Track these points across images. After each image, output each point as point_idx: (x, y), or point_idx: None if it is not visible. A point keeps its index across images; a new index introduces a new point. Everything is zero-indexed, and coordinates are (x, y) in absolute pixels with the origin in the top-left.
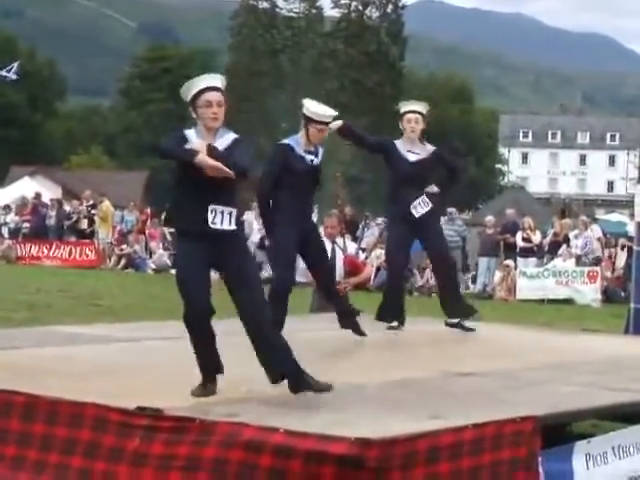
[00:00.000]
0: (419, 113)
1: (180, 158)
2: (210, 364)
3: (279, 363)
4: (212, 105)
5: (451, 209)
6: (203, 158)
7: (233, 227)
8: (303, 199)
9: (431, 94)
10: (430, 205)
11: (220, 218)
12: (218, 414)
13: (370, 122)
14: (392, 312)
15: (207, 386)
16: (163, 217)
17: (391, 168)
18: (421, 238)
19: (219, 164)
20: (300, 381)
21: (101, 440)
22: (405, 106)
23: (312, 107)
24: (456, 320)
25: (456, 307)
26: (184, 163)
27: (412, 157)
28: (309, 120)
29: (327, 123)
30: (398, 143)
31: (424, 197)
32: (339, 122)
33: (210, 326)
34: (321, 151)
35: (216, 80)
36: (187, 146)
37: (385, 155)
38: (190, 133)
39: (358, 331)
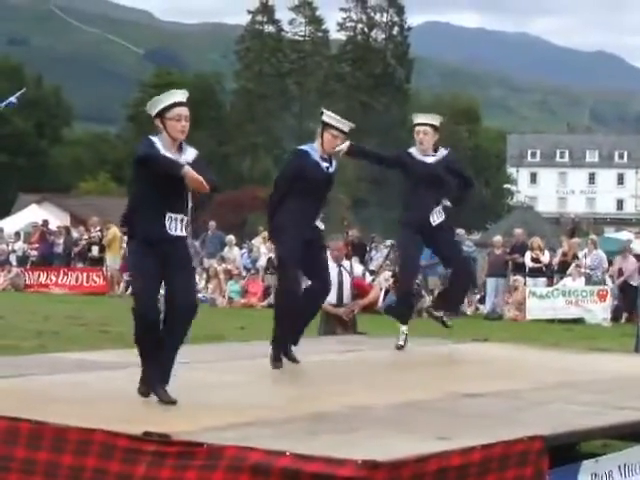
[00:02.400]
0: (429, 125)
1: (168, 168)
2: (151, 369)
3: (164, 375)
4: (181, 119)
5: (459, 230)
6: (189, 170)
7: (185, 233)
8: (313, 205)
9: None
10: (444, 216)
11: (175, 225)
12: (225, 438)
13: (377, 144)
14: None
15: (165, 397)
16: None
17: (408, 174)
18: (435, 246)
19: (202, 178)
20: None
21: (108, 466)
22: (415, 118)
23: (331, 113)
24: (441, 313)
25: (450, 305)
26: (156, 172)
27: (428, 159)
28: (325, 125)
29: (342, 131)
30: (412, 150)
31: (440, 208)
32: (347, 143)
33: (157, 332)
34: (335, 163)
35: (184, 96)
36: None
37: (402, 166)
38: (155, 140)
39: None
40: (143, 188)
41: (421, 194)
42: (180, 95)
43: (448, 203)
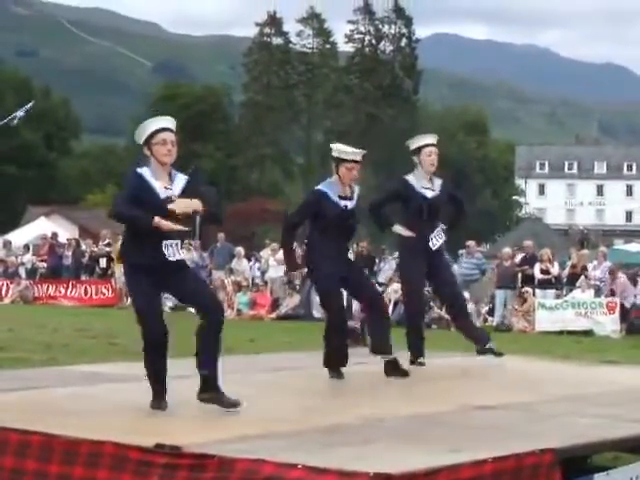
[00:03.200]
0: (435, 146)
1: (139, 224)
2: (162, 384)
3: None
4: (167, 143)
5: (470, 242)
6: (159, 221)
7: (182, 256)
8: (338, 243)
9: (446, 127)
10: (444, 237)
11: (172, 250)
12: (236, 450)
13: (385, 156)
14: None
15: (162, 403)
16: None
17: (407, 205)
18: (433, 269)
19: (172, 226)
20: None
21: (120, 478)
22: (422, 139)
23: (340, 147)
24: (487, 346)
25: (479, 333)
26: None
27: (428, 193)
28: (339, 161)
29: (356, 161)
30: (411, 179)
31: (439, 230)
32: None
33: (167, 348)
34: (357, 192)
35: (169, 122)
36: (145, 184)
37: (402, 200)
38: (144, 171)
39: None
40: None
41: (419, 224)
42: (165, 121)
43: (443, 226)
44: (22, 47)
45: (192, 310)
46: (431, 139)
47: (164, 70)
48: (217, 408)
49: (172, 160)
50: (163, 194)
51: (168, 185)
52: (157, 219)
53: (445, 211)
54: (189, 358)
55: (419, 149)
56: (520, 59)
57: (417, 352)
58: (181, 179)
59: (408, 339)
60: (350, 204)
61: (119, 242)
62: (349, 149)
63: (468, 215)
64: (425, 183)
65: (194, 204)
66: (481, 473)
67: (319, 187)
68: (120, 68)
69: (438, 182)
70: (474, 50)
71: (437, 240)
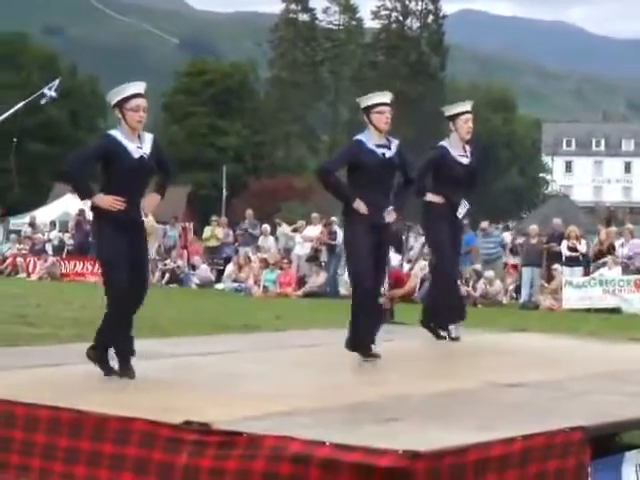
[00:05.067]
0: (471, 113)
1: (80, 194)
2: (126, 348)
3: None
4: (139, 109)
5: (484, 223)
6: (100, 200)
7: (143, 217)
8: (378, 194)
9: (473, 103)
10: (467, 205)
11: (136, 210)
12: (264, 427)
13: (413, 133)
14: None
15: (128, 370)
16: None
17: (442, 172)
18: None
19: (112, 201)
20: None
21: (149, 455)
22: (459, 107)
23: (364, 97)
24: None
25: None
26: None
27: (465, 160)
28: (368, 110)
29: (386, 103)
30: (448, 146)
31: (464, 199)
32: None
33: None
34: (395, 144)
35: (142, 87)
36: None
37: (438, 168)
38: (116, 134)
39: None
40: (108, 180)
41: (451, 191)
42: (139, 87)
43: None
44: (48, 24)
45: (217, 287)
46: (468, 106)
47: (190, 47)
48: (243, 385)
49: (142, 126)
50: (136, 154)
51: (139, 145)
52: (98, 197)
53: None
54: (210, 336)
55: (456, 116)
56: (547, 35)
57: (444, 322)
58: (148, 138)
59: (437, 309)
60: (389, 153)
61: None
62: (375, 93)
63: (492, 192)
64: (460, 150)
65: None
66: (511, 451)
67: (356, 137)
68: (147, 45)
69: (469, 149)
70: (501, 26)
71: (463, 208)
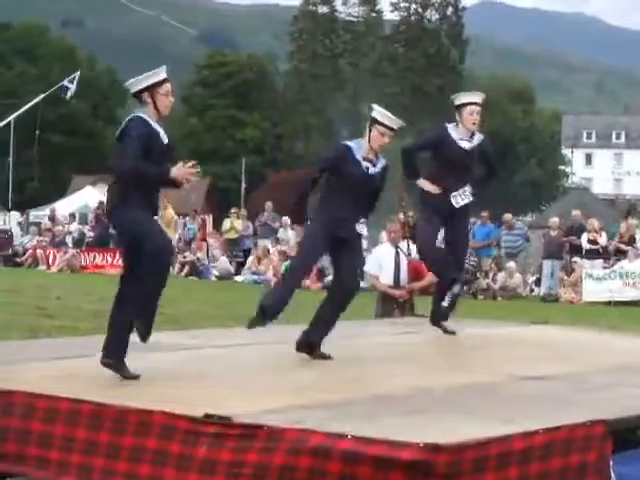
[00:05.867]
0: (480, 105)
1: (157, 178)
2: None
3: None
4: (169, 95)
5: (506, 216)
6: (176, 171)
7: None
8: (351, 204)
9: (492, 95)
10: (471, 198)
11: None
12: (285, 420)
13: (431, 125)
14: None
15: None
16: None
17: (440, 155)
18: (451, 228)
19: (187, 170)
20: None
21: (169, 448)
22: (466, 96)
23: (381, 110)
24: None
25: (444, 309)
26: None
27: (465, 145)
28: (374, 122)
29: (391, 129)
30: (451, 129)
31: (466, 189)
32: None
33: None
34: (382, 163)
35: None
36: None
37: (439, 148)
38: (146, 117)
39: None
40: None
41: (450, 174)
42: (165, 72)
43: (471, 189)
44: (67, 16)
45: (237, 279)
46: (477, 97)
47: (209, 39)
48: (263, 378)
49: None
50: (165, 139)
51: (162, 130)
52: (174, 169)
53: (475, 172)
54: (230, 328)
55: (463, 106)
56: (567, 27)
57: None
58: (162, 125)
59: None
60: (372, 169)
61: (167, 210)
62: (389, 114)
63: (512, 184)
64: (462, 136)
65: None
66: (532, 444)
67: (346, 142)
68: (165, 37)
69: (479, 137)
70: (520, 18)
71: (462, 199)
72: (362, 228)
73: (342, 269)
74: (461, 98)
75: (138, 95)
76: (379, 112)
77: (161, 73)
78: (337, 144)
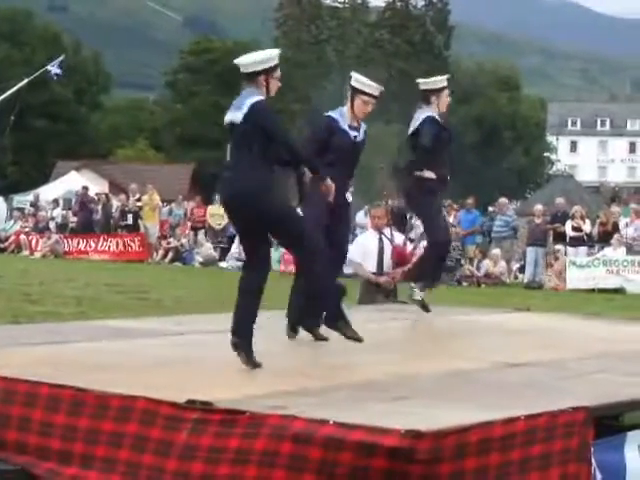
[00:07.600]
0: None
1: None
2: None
3: None
4: (279, 79)
5: (502, 199)
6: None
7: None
8: (341, 175)
9: (478, 82)
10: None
11: None
12: (267, 406)
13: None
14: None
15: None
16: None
17: (438, 138)
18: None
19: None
20: None
21: (149, 433)
22: (444, 81)
23: (361, 78)
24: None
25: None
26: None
27: (353, 133)
28: (355, 91)
29: (374, 96)
30: (433, 113)
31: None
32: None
33: None
34: (364, 128)
35: None
36: None
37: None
38: (260, 97)
39: None
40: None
41: (440, 158)
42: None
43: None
44: (53, 2)
45: (221, 265)
46: (446, 81)
47: (194, 25)
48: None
49: None
50: None
51: None
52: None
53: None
54: (215, 314)
55: (442, 89)
56: (551, 13)
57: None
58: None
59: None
60: (359, 137)
61: (152, 196)
62: (370, 82)
63: (493, 171)
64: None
65: None
66: (513, 431)
67: (329, 113)
68: (150, 22)
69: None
70: (506, 5)
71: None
72: (349, 196)
73: (333, 237)
74: (439, 82)
75: (251, 76)
76: (360, 81)
77: (276, 57)
78: (320, 119)
